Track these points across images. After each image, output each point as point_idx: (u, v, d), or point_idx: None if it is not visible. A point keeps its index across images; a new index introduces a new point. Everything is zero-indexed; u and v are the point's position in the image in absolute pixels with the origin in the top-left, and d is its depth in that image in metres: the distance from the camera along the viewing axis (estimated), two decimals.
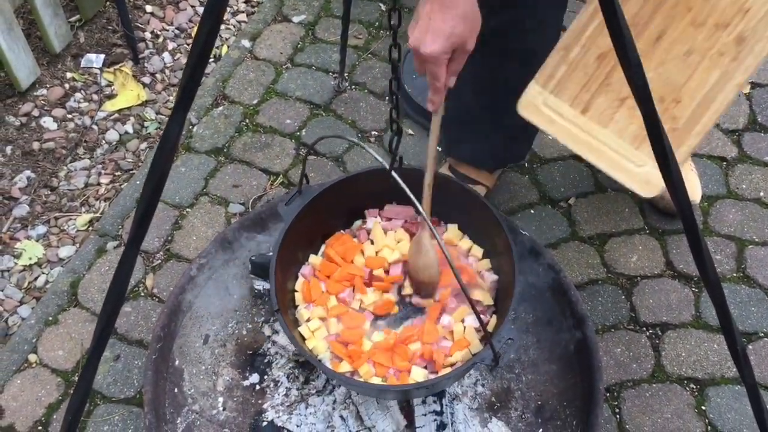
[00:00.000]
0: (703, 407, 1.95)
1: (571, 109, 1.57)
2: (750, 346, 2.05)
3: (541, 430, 1.65)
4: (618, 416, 1.93)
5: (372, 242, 1.73)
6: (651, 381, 1.99)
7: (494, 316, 1.61)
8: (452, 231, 1.75)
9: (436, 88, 1.42)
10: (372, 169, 1.69)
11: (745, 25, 1.37)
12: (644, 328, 2.08)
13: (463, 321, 1.61)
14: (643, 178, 1.51)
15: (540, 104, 1.59)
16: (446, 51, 1.34)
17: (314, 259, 1.70)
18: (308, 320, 1.60)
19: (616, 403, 1.94)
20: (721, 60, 1.40)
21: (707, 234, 2.26)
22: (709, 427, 1.92)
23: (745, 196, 2.34)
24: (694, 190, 2.23)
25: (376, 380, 1.52)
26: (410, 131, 2.49)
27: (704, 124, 1.43)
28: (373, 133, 2.49)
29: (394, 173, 1.28)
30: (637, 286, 2.15)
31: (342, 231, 1.77)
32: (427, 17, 1.32)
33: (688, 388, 1.98)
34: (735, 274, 2.18)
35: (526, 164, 2.39)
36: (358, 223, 1.79)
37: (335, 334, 1.59)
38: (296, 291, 1.65)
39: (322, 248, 1.72)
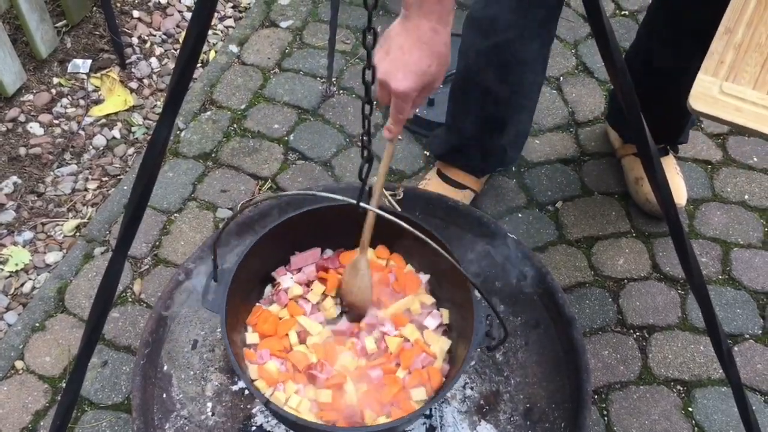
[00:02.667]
0: (690, 409, 1.96)
1: (755, 92, 1.46)
2: (735, 348, 2.06)
3: (530, 431, 1.65)
4: (606, 418, 1.94)
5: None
6: (638, 383, 2.00)
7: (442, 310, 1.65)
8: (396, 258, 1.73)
9: (398, 120, 1.37)
10: (279, 223, 1.60)
11: None
12: (631, 331, 2.09)
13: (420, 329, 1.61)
14: None
15: (716, 94, 1.47)
16: (416, 89, 1.29)
17: (251, 339, 1.62)
18: (287, 401, 1.51)
19: (604, 405, 1.96)
20: None
21: (693, 237, 2.28)
22: (696, 429, 1.94)
23: (730, 199, 2.37)
24: (680, 194, 2.25)
25: (383, 419, 1.48)
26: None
27: None
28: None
29: (365, 205, 1.20)
30: (624, 288, 2.17)
31: (257, 303, 1.68)
32: (400, 50, 1.26)
33: (675, 390, 1.99)
34: (720, 276, 2.20)
35: (513, 168, 2.41)
36: (269, 289, 1.70)
37: (315, 401, 1.52)
38: (256, 380, 1.55)
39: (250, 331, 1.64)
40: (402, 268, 1.72)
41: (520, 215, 2.31)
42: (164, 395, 1.65)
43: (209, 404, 1.69)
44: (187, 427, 1.63)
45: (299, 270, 1.71)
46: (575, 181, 2.40)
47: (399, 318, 1.62)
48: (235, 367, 1.40)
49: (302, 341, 1.60)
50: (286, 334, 1.60)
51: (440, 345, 1.60)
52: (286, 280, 1.68)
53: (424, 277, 1.71)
